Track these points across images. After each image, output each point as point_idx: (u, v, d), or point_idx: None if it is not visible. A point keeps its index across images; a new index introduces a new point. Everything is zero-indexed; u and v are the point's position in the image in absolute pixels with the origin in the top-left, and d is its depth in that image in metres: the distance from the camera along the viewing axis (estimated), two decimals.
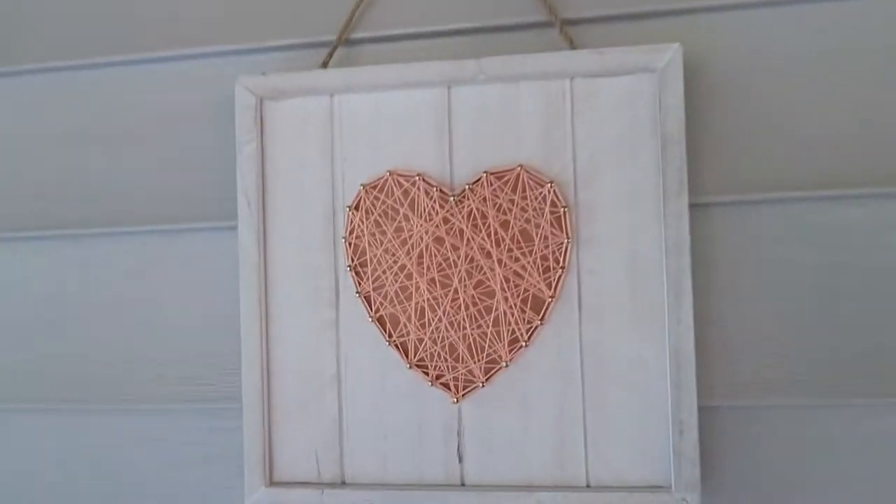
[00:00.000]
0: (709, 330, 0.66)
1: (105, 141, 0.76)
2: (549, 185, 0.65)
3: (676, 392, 0.63)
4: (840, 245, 0.65)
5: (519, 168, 0.66)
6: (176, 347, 0.75)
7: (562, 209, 0.65)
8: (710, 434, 0.66)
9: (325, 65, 0.70)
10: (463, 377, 0.67)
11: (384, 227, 0.68)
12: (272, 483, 0.69)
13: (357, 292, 0.68)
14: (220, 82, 0.73)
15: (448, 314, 0.67)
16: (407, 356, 0.67)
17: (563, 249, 0.65)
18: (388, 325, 0.68)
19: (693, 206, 0.65)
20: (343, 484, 0.68)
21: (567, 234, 0.65)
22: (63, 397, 0.76)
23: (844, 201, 0.65)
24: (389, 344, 0.67)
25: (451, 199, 0.66)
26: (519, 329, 0.66)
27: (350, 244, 0.68)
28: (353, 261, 0.68)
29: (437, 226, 0.67)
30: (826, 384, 0.65)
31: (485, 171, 0.66)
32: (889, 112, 0.64)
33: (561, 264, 0.65)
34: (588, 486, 0.65)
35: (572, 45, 0.67)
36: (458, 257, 0.66)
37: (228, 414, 0.74)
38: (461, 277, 0.66)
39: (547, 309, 0.65)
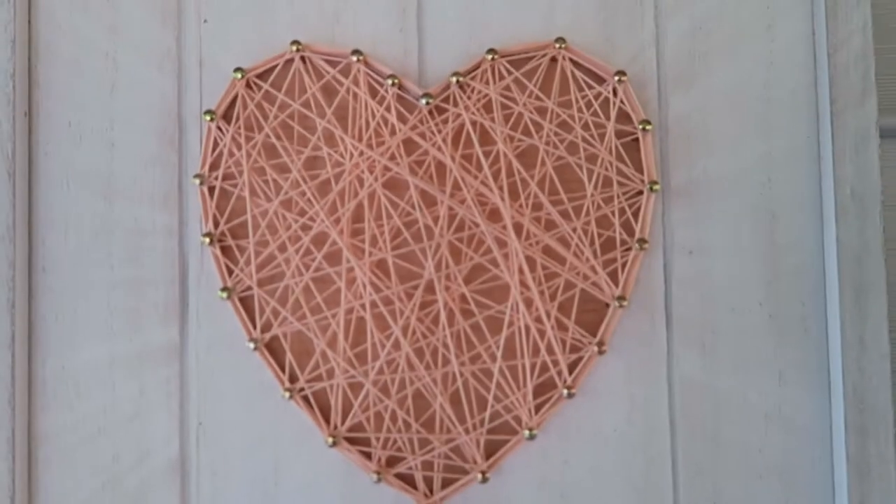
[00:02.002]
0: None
1: None
2: (613, 79, 0.33)
3: (859, 482, 0.32)
4: None
5: (556, 46, 0.33)
6: None
7: (639, 127, 0.33)
8: None
9: None
10: (443, 462, 0.33)
11: (284, 158, 0.33)
12: None
13: (224, 290, 0.33)
14: None
15: (414, 334, 0.33)
16: (328, 420, 0.33)
17: (641, 206, 0.33)
18: (288, 356, 0.33)
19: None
20: None
21: (648, 175, 0.33)
22: None
23: None
24: (291, 396, 0.33)
25: (422, 102, 0.33)
26: (556, 362, 0.33)
27: (212, 191, 0.33)
28: (217, 225, 0.33)
29: (392, 157, 0.33)
30: None
31: (488, 51, 0.33)
32: None
33: (637, 235, 0.33)
34: None
35: None
36: (436, 220, 0.33)
37: None
38: (441, 259, 0.33)
39: (610, 322, 0.33)
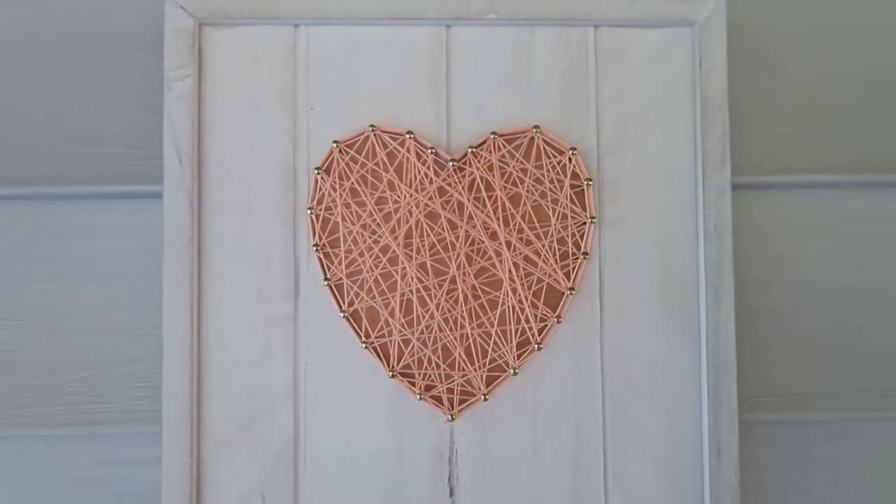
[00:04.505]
0: (739, 332, 0.56)
1: None
2: (569, 152, 0.53)
3: (714, 405, 0.53)
4: (890, 238, 0.58)
5: (533, 130, 0.53)
6: (62, 352, 0.55)
7: (584, 183, 0.53)
8: (740, 453, 0.56)
9: None
10: (459, 388, 0.53)
11: (363, 198, 0.53)
12: None
13: (325, 280, 0.52)
14: (146, 3, 0.56)
15: (442, 309, 0.53)
16: (388, 362, 0.53)
17: (585, 232, 0.53)
18: (364, 322, 0.53)
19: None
20: None
21: (590, 213, 0.53)
22: None
23: (890, 189, 0.58)
24: (365, 347, 0.53)
25: (450, 164, 0.53)
26: (530, 328, 0.53)
27: (317, 217, 0.53)
28: (320, 239, 0.53)
29: (430, 197, 0.53)
30: (873, 394, 0.57)
31: (492, 133, 0.53)
32: None
33: (582, 249, 0.53)
34: None
35: None
36: (457, 238, 0.53)
37: (130, 442, 0.56)
38: (460, 263, 0.53)
39: (564, 303, 0.53)
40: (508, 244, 0.53)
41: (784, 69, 0.58)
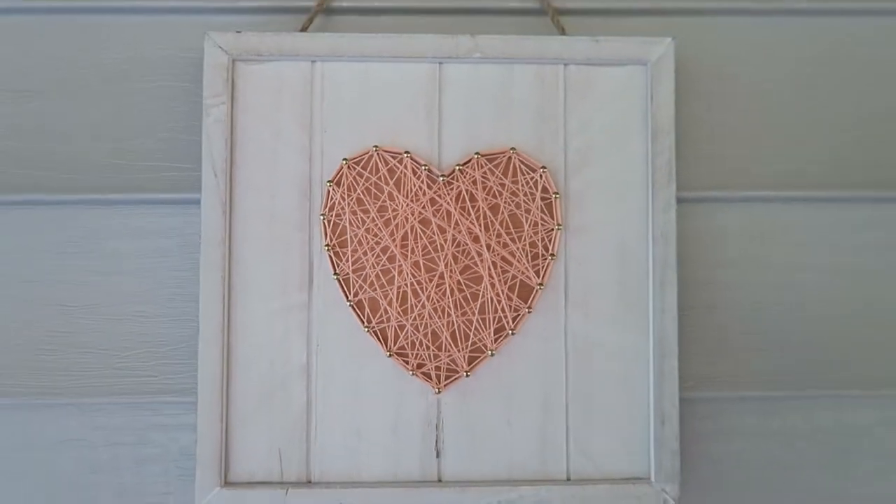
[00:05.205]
0: (683, 323, 0.66)
1: (53, 96, 0.66)
2: (540, 170, 0.64)
3: (659, 382, 0.63)
4: (811, 245, 0.68)
5: (511, 151, 0.64)
6: (109, 333, 0.66)
7: (553, 195, 0.64)
8: (682, 425, 0.66)
9: (303, 30, 0.65)
10: (445, 366, 0.63)
11: (367, 206, 0.63)
12: (227, 483, 0.62)
13: (335, 274, 0.63)
14: (187, 39, 0.66)
15: (432, 300, 0.63)
16: (386, 344, 0.63)
17: (553, 237, 0.64)
18: (366, 310, 0.63)
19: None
20: (309, 483, 0.62)
21: (557, 221, 0.64)
22: None
23: (815, 203, 0.68)
24: (367, 330, 0.63)
25: (440, 179, 0.63)
26: (505, 317, 0.63)
27: (329, 222, 0.63)
28: (331, 240, 0.63)
29: (423, 207, 0.63)
30: (793, 377, 0.68)
31: (476, 153, 0.64)
32: (873, 120, 0.69)
33: (550, 251, 0.64)
34: (568, 480, 0.63)
35: (564, 34, 0.66)
36: (445, 240, 0.63)
37: (168, 409, 0.66)
38: (447, 262, 0.63)
39: (534, 297, 0.64)
40: (488, 246, 0.63)
41: (725, 101, 0.69)
